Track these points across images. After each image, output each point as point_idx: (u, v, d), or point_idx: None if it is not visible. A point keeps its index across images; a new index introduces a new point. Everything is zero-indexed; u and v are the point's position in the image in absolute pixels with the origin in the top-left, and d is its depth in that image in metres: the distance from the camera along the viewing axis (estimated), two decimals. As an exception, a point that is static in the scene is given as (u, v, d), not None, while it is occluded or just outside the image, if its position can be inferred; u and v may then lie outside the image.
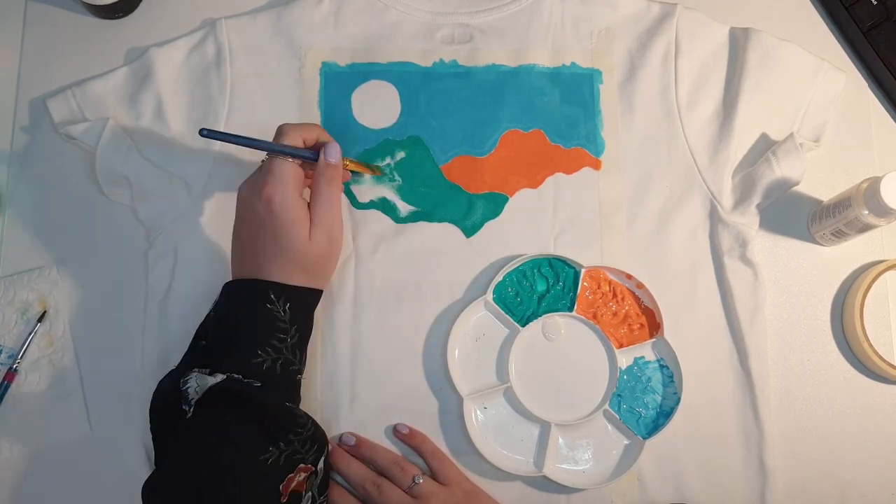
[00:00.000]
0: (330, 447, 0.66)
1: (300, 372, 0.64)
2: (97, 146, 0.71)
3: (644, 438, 0.69)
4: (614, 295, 0.72)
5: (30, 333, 0.71)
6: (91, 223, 0.74)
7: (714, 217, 0.74)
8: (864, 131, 0.79)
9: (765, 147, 0.75)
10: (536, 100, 0.76)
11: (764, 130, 0.76)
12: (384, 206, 0.74)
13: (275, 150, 0.64)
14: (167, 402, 0.61)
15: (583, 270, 0.72)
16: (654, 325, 0.72)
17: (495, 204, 0.74)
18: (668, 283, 0.73)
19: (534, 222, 0.74)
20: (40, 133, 0.76)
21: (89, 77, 0.76)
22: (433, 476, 0.68)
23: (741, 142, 0.75)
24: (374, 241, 0.73)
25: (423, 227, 0.74)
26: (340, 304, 0.72)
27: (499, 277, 0.72)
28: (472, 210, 0.74)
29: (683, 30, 0.77)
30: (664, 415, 0.70)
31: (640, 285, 0.72)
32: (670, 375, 0.71)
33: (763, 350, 0.72)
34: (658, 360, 0.72)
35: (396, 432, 0.70)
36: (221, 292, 0.65)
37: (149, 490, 0.58)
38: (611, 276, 0.73)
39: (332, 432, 0.69)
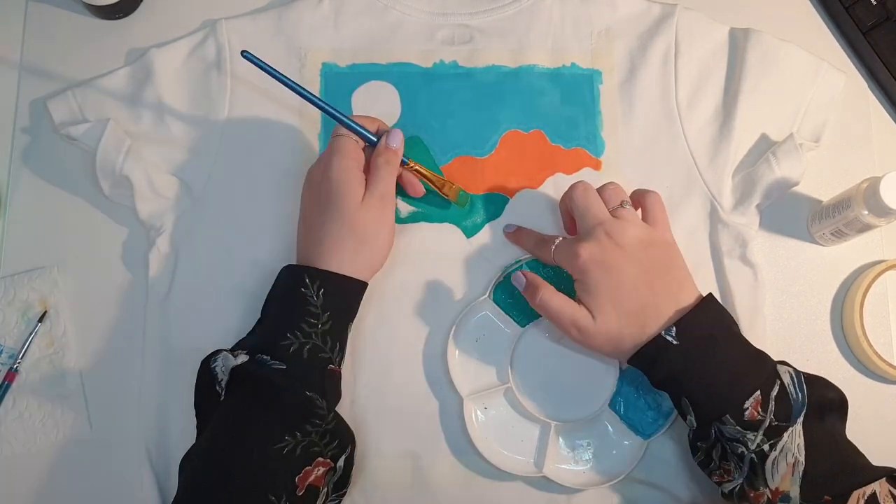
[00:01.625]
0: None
1: (333, 361, 0.64)
2: (97, 147, 0.71)
3: (644, 439, 0.69)
4: (614, 295, 0.72)
5: (30, 333, 0.71)
6: (91, 223, 0.74)
7: (714, 217, 0.74)
8: (864, 131, 0.79)
9: (765, 147, 0.75)
10: (537, 100, 0.77)
11: (764, 131, 0.76)
12: (384, 206, 0.74)
13: (343, 119, 0.68)
14: (204, 382, 0.63)
15: (583, 271, 0.72)
16: (654, 325, 0.72)
17: (496, 204, 0.74)
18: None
19: (534, 223, 0.74)
20: (41, 134, 0.76)
21: (90, 78, 0.76)
22: (644, 216, 0.67)
23: (741, 142, 0.75)
24: (374, 242, 0.73)
25: (423, 227, 0.74)
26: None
27: (499, 278, 0.72)
28: (472, 210, 0.74)
29: (683, 30, 0.77)
30: (664, 415, 0.70)
31: (641, 285, 0.72)
32: (670, 375, 0.71)
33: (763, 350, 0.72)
34: (658, 361, 0.72)
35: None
36: (277, 276, 0.68)
37: (184, 460, 0.61)
38: (611, 277, 0.73)
39: (332, 432, 0.69)
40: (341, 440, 0.63)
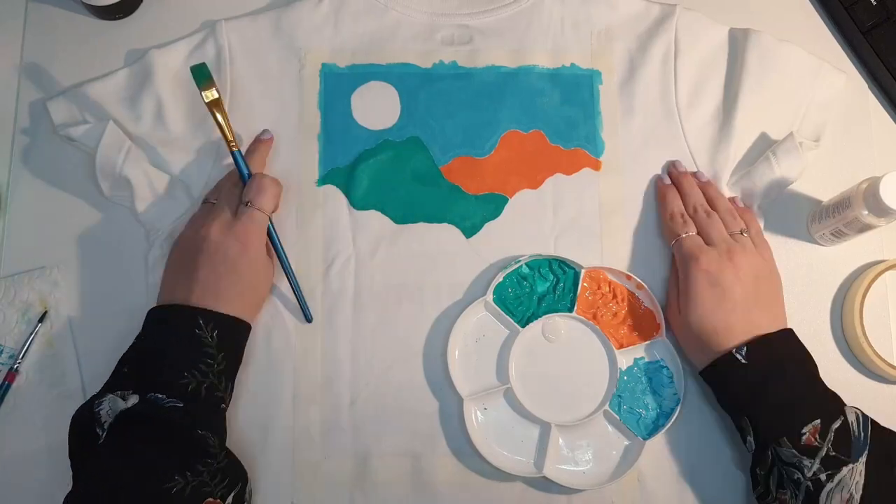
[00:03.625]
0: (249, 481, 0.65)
1: (224, 402, 0.64)
2: (97, 148, 0.71)
3: (644, 439, 0.69)
4: (614, 296, 0.72)
5: (30, 334, 0.71)
6: (91, 224, 0.74)
7: (714, 217, 0.74)
8: (864, 131, 0.79)
9: (765, 147, 0.75)
10: (536, 101, 0.77)
11: (764, 131, 0.76)
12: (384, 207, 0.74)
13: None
14: (83, 426, 0.61)
15: (583, 271, 0.72)
16: (654, 325, 0.72)
17: (495, 205, 0.74)
18: (668, 284, 0.73)
19: (534, 223, 0.74)
20: (41, 134, 0.76)
21: (89, 79, 0.76)
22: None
23: (741, 142, 0.75)
24: (373, 242, 0.73)
25: (422, 227, 0.74)
26: (340, 305, 0.72)
27: (499, 278, 0.72)
28: (471, 211, 0.74)
29: (683, 30, 0.77)
30: (664, 415, 0.70)
31: (640, 286, 0.72)
32: (670, 376, 0.71)
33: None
34: (658, 361, 0.72)
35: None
36: (147, 320, 0.66)
37: None
38: (611, 277, 0.73)
39: (332, 433, 0.69)
40: (232, 479, 0.62)
